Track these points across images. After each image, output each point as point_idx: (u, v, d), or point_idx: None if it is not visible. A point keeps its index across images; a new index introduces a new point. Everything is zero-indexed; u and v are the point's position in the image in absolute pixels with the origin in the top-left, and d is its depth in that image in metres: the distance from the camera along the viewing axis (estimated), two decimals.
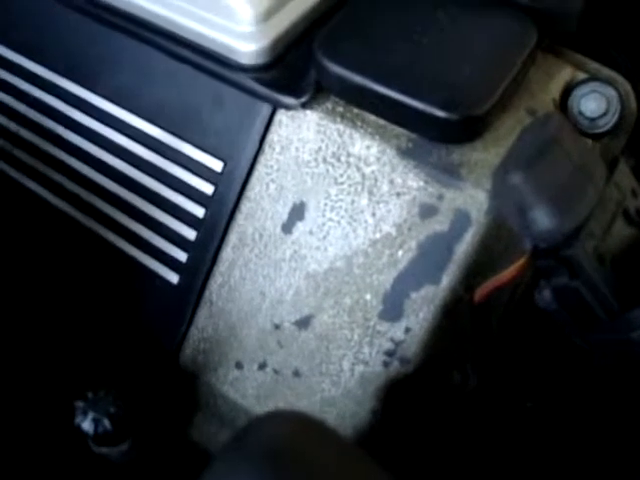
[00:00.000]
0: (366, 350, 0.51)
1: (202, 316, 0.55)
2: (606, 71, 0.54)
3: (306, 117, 0.51)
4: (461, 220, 0.48)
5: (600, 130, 0.52)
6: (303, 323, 0.52)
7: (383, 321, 0.50)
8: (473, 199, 0.47)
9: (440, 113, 0.47)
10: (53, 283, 0.61)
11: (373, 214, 0.50)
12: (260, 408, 0.54)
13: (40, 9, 0.62)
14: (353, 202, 0.50)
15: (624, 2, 0.62)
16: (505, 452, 0.55)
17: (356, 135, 0.50)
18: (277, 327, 0.53)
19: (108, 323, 0.59)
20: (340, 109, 0.51)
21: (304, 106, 0.51)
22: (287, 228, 0.52)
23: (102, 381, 0.50)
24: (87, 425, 0.47)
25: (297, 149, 0.52)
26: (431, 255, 0.49)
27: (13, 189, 0.62)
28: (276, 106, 0.52)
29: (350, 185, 0.51)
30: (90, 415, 0.47)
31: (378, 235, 0.50)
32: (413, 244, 0.49)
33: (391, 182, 0.49)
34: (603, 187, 0.40)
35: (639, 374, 0.43)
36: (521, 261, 0.43)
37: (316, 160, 0.51)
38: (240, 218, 0.54)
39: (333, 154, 0.51)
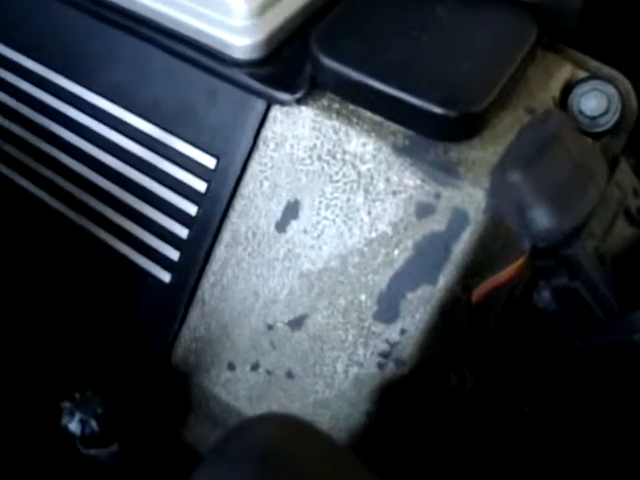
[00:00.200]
0: (361, 351, 0.50)
1: (194, 316, 0.55)
2: (606, 69, 0.54)
3: (301, 113, 0.50)
4: (458, 219, 0.47)
5: (600, 129, 0.52)
6: (297, 323, 0.51)
7: (378, 322, 0.49)
8: (471, 198, 0.47)
9: (438, 110, 0.46)
10: (42, 281, 0.61)
11: (369, 213, 0.49)
12: (252, 410, 0.53)
13: (33, 5, 0.61)
14: (348, 200, 0.50)
15: (623, 0, 0.62)
16: (502, 457, 0.54)
17: (352, 132, 0.49)
18: (270, 327, 0.52)
19: (98, 322, 0.58)
20: (336, 105, 0.50)
21: (299, 102, 0.50)
22: (281, 226, 0.51)
23: (90, 381, 0.49)
24: (74, 426, 0.46)
25: (292, 146, 0.51)
26: (428, 255, 0.48)
27: (3, 186, 0.61)
28: (271, 102, 0.51)
29: (345, 183, 0.50)
30: (77, 416, 0.46)
31: (374, 234, 0.49)
32: (409, 243, 0.48)
33: (387, 180, 0.49)
34: (604, 186, 0.39)
35: None
36: (520, 261, 0.42)
37: (311, 157, 0.51)
38: (233, 216, 0.53)
39: (328, 151, 0.50)
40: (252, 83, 0.51)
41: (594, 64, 0.54)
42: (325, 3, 0.53)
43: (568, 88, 0.52)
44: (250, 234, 0.52)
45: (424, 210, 0.48)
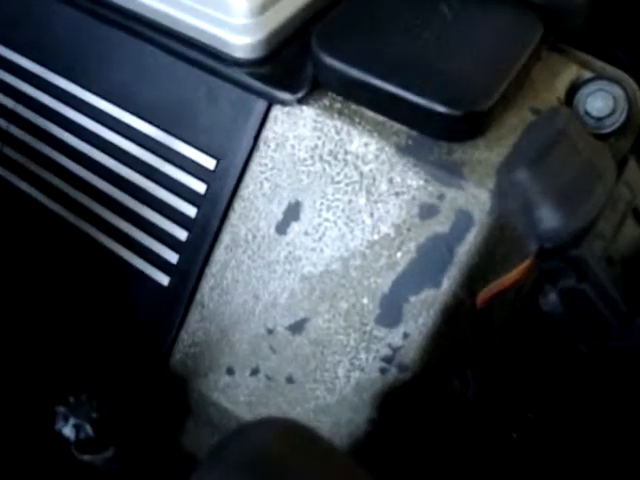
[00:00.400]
0: (362, 356, 0.49)
1: (193, 319, 0.54)
2: (612, 70, 0.53)
3: (302, 113, 0.50)
4: (463, 220, 0.46)
5: (607, 130, 0.51)
6: (297, 327, 0.50)
7: (380, 326, 0.48)
8: (475, 199, 0.46)
9: (442, 109, 0.45)
10: (40, 283, 0.60)
11: (371, 214, 0.48)
12: (252, 416, 0.52)
13: (31, 5, 0.60)
14: (350, 202, 0.49)
15: (627, 1, 0.61)
16: (505, 464, 0.54)
17: (354, 132, 0.49)
18: (270, 331, 0.51)
19: (96, 325, 0.57)
20: (338, 105, 0.49)
21: (300, 102, 0.49)
22: (282, 228, 0.51)
23: (85, 385, 0.48)
24: (68, 431, 0.45)
25: (293, 146, 0.50)
26: (431, 257, 0.47)
27: (1, 187, 0.60)
28: (271, 102, 0.50)
29: (347, 184, 0.49)
30: (71, 420, 0.45)
31: (376, 236, 0.48)
32: (412, 245, 0.47)
33: (390, 181, 0.48)
34: (613, 185, 0.38)
35: None
36: (526, 263, 0.41)
37: (312, 158, 0.50)
38: (233, 218, 0.52)
39: (330, 152, 0.49)
40: (252, 83, 0.50)
41: (599, 64, 0.54)
42: (327, 2, 0.52)
43: (574, 88, 0.51)
44: (250, 236, 0.52)
45: (427, 211, 0.47)
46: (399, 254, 0.48)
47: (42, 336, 0.58)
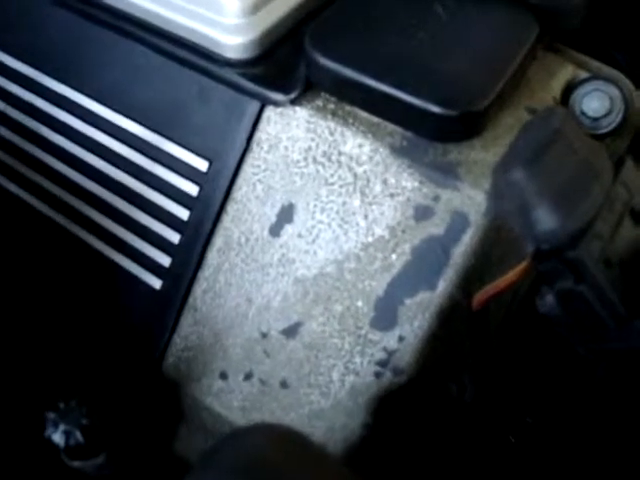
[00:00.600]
0: (357, 360, 0.48)
1: (186, 323, 0.53)
2: (608, 70, 0.53)
3: (295, 114, 0.49)
4: (458, 222, 0.45)
5: (603, 130, 0.50)
6: (291, 331, 0.50)
7: (375, 329, 0.48)
8: (471, 200, 0.45)
9: (437, 109, 0.45)
10: (30, 287, 0.59)
11: (365, 216, 0.48)
12: (245, 421, 0.51)
13: (21, 6, 0.60)
14: (344, 204, 0.48)
15: (623, 1, 0.61)
16: (503, 469, 0.53)
17: (348, 133, 0.48)
18: (264, 335, 0.51)
19: (87, 329, 0.57)
20: (331, 106, 0.49)
21: (293, 102, 0.49)
22: (275, 231, 0.50)
23: (75, 390, 0.47)
24: (58, 437, 0.44)
25: (286, 148, 0.50)
26: (426, 259, 0.46)
27: None
28: (264, 103, 0.50)
29: (341, 186, 0.48)
30: (61, 427, 0.44)
31: (370, 238, 0.48)
32: (407, 248, 0.47)
33: (384, 182, 0.47)
34: (610, 185, 0.38)
35: None
36: (522, 265, 0.41)
37: (306, 159, 0.49)
38: (226, 220, 0.51)
39: (324, 153, 0.49)
40: (245, 83, 0.50)
41: (595, 64, 0.53)
42: (320, 2, 0.52)
43: (570, 88, 0.51)
44: (243, 239, 0.51)
45: (423, 213, 0.46)
46: (394, 256, 0.47)
47: (32, 340, 0.57)
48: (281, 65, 0.50)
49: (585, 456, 0.49)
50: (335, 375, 0.49)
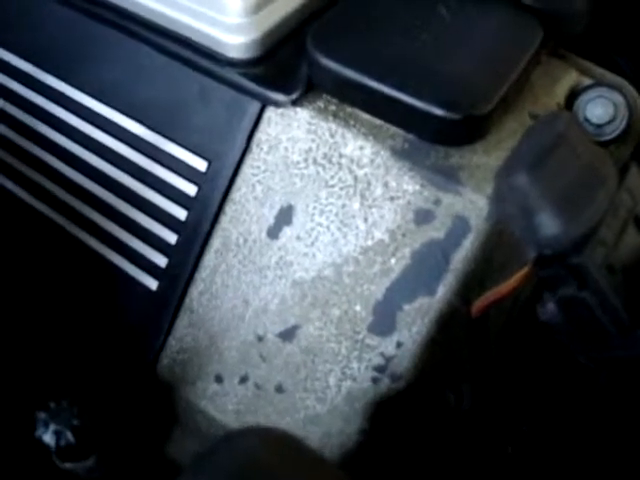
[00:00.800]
0: (354, 365, 0.48)
1: (181, 325, 0.53)
2: (612, 76, 0.52)
3: (296, 115, 0.49)
4: (459, 226, 0.45)
5: (607, 137, 0.50)
6: (288, 335, 0.49)
7: (373, 334, 0.47)
8: (472, 204, 0.45)
9: (439, 112, 0.44)
10: (24, 285, 0.58)
11: (365, 219, 0.47)
12: (240, 425, 0.51)
13: (23, 3, 0.59)
14: (344, 206, 0.48)
15: (627, 7, 0.61)
16: (500, 478, 0.52)
17: (349, 135, 0.48)
18: (260, 339, 0.50)
19: (81, 329, 0.56)
20: (332, 107, 0.49)
21: (294, 103, 0.48)
22: (273, 233, 0.49)
23: (67, 390, 0.47)
24: (48, 438, 0.44)
25: (286, 149, 0.49)
26: (426, 264, 0.46)
27: None
28: (265, 103, 0.49)
29: (341, 188, 0.48)
30: (52, 427, 0.44)
31: (370, 242, 0.47)
32: (407, 252, 0.46)
33: (385, 185, 0.47)
34: (615, 191, 0.37)
35: None
36: (524, 271, 0.40)
37: (306, 161, 0.49)
38: (224, 221, 0.51)
39: (324, 155, 0.48)
40: (246, 83, 0.49)
41: (599, 71, 0.53)
42: (323, 2, 0.51)
43: (573, 95, 0.51)
44: (241, 240, 0.50)
45: (423, 217, 0.46)
46: (393, 260, 0.47)
47: (24, 339, 0.57)
48: (283, 65, 0.50)
49: (584, 465, 0.49)
50: (332, 380, 0.48)
